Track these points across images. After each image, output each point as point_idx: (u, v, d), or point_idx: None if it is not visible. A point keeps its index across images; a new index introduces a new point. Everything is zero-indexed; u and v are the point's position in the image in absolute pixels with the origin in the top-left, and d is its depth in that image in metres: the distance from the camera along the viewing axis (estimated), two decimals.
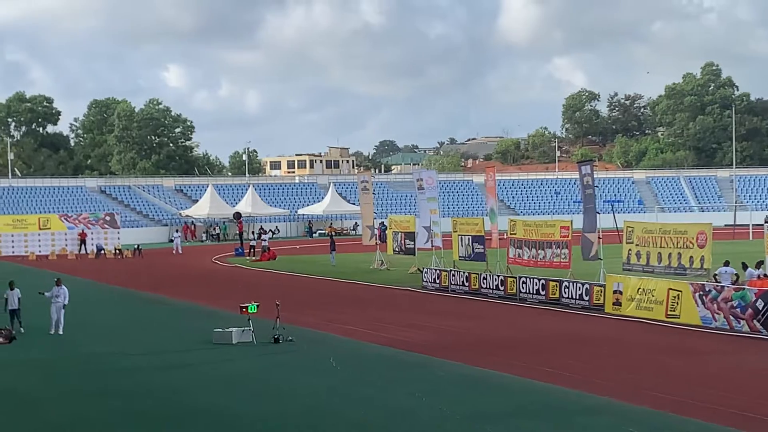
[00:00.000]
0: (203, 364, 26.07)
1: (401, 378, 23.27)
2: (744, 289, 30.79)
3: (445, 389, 21.86)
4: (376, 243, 61.68)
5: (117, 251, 78.72)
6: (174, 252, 79.89)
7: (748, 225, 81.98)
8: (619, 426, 17.98)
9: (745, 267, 34.90)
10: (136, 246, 79.79)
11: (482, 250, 45.65)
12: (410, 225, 55.95)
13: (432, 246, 53.33)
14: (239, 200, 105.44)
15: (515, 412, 19.35)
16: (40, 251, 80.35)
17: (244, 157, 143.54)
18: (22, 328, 32.48)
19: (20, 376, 25.22)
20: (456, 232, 47.70)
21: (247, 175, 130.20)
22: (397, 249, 57.05)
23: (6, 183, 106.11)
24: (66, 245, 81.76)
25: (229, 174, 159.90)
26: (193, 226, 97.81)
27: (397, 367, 25.08)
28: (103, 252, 78.95)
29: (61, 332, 32.41)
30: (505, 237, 46.56)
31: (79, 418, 19.87)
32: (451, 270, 45.27)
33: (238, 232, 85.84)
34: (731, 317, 30.35)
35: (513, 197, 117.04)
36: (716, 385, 21.97)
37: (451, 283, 44.30)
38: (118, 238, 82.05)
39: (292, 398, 21.27)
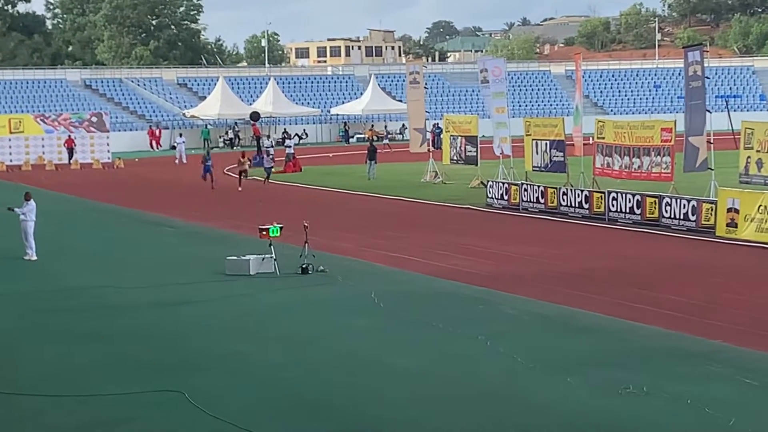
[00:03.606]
0: (213, 301, 26.27)
1: (460, 318, 23.32)
2: None
3: (515, 332, 21.94)
4: (429, 150, 61.51)
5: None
6: (177, 161, 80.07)
7: None
8: (734, 376, 17.93)
9: None
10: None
11: (562, 159, 45.46)
12: (472, 127, 55.65)
13: (500, 154, 53.10)
14: (257, 97, 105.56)
15: (602, 360, 19.36)
16: (11, 161, 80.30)
17: (264, 43, 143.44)
18: None
19: None
20: (529, 135, 47.48)
21: (266, 65, 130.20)
22: (455, 158, 56.91)
23: None
24: (43, 153, 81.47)
25: (245, 64, 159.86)
26: (158, 131, 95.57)
27: (454, 304, 25.14)
28: (210, 172, 59.22)
29: (35, 257, 32.74)
30: (591, 142, 46.26)
31: (61, 365, 20.06)
32: (522, 184, 45.16)
33: (254, 136, 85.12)
34: None
35: (601, 92, 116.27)
36: None
37: (523, 200, 44.22)
38: (108, 144, 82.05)
39: (325, 342, 21.37)
